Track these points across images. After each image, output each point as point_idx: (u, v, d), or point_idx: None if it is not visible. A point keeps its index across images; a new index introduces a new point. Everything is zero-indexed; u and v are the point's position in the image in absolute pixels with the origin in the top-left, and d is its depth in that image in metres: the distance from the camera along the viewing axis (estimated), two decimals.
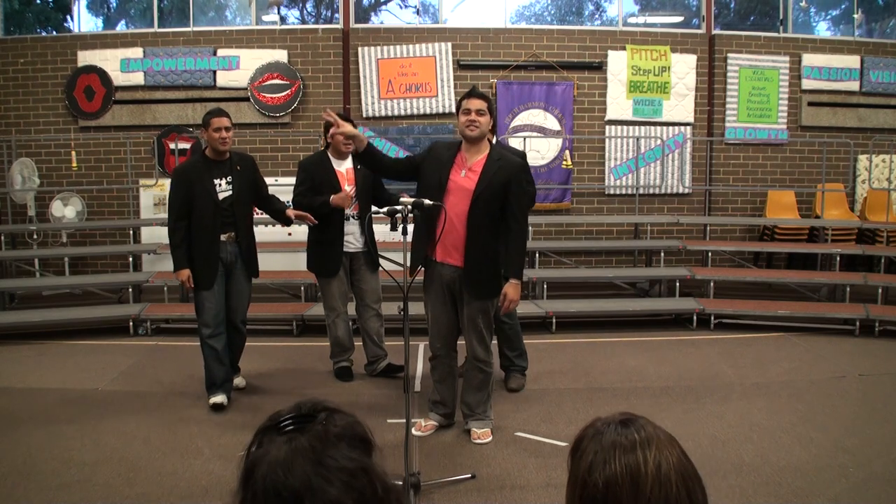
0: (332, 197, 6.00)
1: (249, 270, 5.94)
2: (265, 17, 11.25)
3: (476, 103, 4.81)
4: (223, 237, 5.75)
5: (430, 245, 4.88)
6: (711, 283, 8.88)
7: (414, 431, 5.11)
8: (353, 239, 6.23)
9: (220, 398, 5.70)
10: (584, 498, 1.39)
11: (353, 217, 6.21)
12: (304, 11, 12.05)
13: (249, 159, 6.08)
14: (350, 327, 6.57)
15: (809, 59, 10.93)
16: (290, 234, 9.91)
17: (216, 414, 5.57)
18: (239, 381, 6.16)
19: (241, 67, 10.58)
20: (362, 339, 6.51)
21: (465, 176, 4.81)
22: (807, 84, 10.96)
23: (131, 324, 8.04)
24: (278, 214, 6.18)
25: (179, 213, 5.62)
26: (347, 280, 6.35)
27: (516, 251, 4.86)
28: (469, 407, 5.18)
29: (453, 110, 10.56)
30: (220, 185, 5.70)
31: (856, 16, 11.32)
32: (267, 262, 9.18)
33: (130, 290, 8.82)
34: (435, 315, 5.08)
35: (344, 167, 6.24)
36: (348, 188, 6.18)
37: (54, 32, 11.47)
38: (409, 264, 4.55)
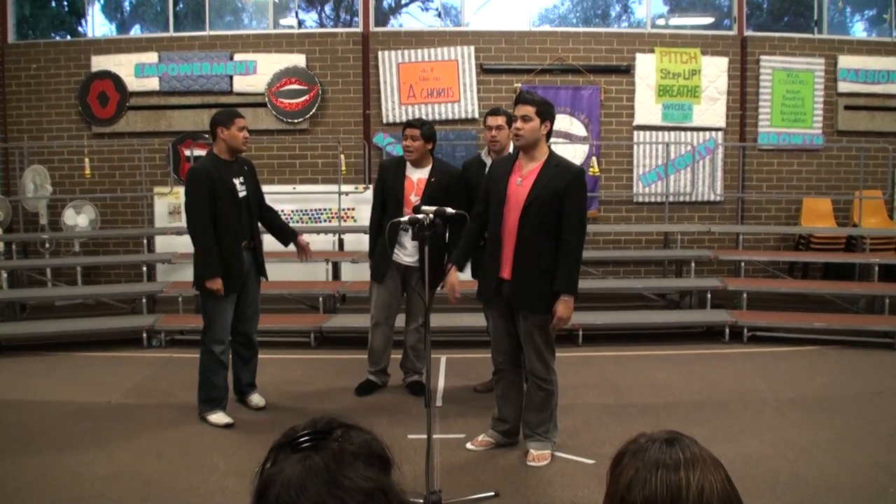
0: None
1: (260, 275, 5.97)
2: (283, 21, 11.33)
3: (521, 110, 4.73)
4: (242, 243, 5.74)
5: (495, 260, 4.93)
6: (744, 295, 8.81)
7: (468, 445, 5.16)
8: (406, 252, 6.12)
9: (228, 417, 5.69)
10: None
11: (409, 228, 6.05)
12: (323, 15, 12.11)
13: (250, 162, 6.05)
14: (387, 340, 6.47)
15: (846, 61, 10.84)
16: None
17: (231, 429, 5.58)
18: (259, 400, 6.05)
19: (258, 72, 10.65)
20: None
21: (520, 185, 4.78)
22: (843, 87, 10.87)
23: (145, 335, 8.08)
24: (280, 231, 6.17)
25: (206, 214, 5.51)
26: (398, 292, 6.33)
27: (565, 264, 4.73)
28: (529, 426, 5.04)
29: (476, 116, 10.59)
30: (237, 184, 5.69)
31: (886, 17, 11.24)
32: (284, 272, 9.23)
33: (144, 300, 8.85)
34: (495, 329, 5.08)
35: (416, 176, 6.15)
36: (414, 198, 6.06)
37: (68, 37, 11.60)
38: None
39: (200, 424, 5.65)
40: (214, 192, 5.52)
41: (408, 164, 6.17)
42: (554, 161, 4.80)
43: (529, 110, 4.70)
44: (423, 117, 10.55)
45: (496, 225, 4.86)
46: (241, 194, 5.69)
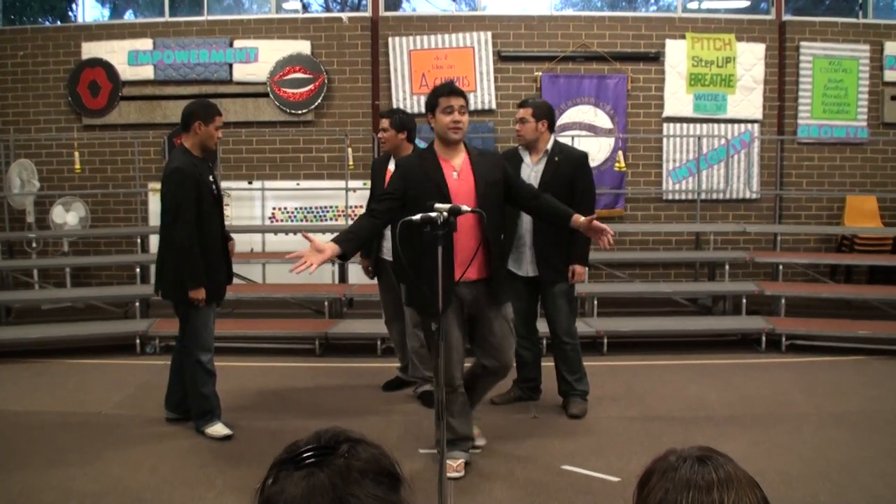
0: None
1: (229, 278, 5.96)
2: (286, 5, 11.34)
3: (460, 100, 4.86)
4: None
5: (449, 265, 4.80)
6: (783, 300, 8.76)
7: (449, 474, 5.03)
8: (387, 249, 6.38)
9: (228, 429, 5.69)
10: None
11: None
12: None
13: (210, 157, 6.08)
14: (402, 334, 6.66)
15: (893, 48, 10.77)
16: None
17: (230, 442, 5.59)
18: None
19: (259, 60, 10.67)
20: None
21: (459, 178, 4.85)
22: (890, 75, 10.81)
23: (138, 341, 8.12)
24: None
25: (194, 219, 5.48)
26: (398, 287, 6.44)
27: (554, 205, 5.11)
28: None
29: (494, 107, 10.59)
30: (211, 183, 5.72)
31: None
32: (281, 274, 9.27)
33: (138, 304, 8.89)
34: (454, 343, 4.92)
35: (392, 166, 6.37)
36: None
37: (58, 22, 11.65)
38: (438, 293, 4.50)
39: (197, 437, 5.66)
40: (199, 193, 5.52)
41: (391, 156, 6.47)
42: (476, 151, 5.05)
43: (461, 101, 4.90)
44: None
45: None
46: (215, 193, 5.74)
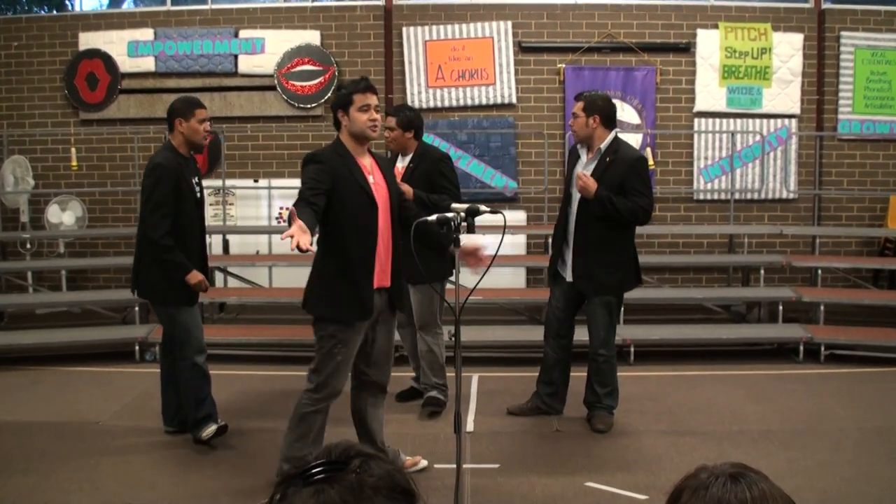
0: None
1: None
2: None
3: (375, 98, 4.86)
4: None
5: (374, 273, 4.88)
6: (822, 307, 8.72)
7: (413, 469, 5.23)
8: None
9: (219, 423, 5.77)
10: None
11: None
12: None
13: (195, 158, 6.13)
14: (412, 341, 6.74)
15: None
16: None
17: (233, 454, 5.61)
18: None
19: (266, 51, 10.69)
20: None
21: (375, 182, 4.87)
22: None
23: (137, 348, 8.15)
24: None
25: (168, 214, 5.54)
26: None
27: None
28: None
29: (513, 100, 10.58)
30: (194, 184, 5.80)
31: None
32: (288, 277, 9.29)
33: (137, 308, 8.87)
34: (379, 346, 5.24)
35: (401, 164, 6.48)
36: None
37: (54, 12, 11.71)
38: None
39: (198, 449, 5.66)
40: (179, 191, 5.61)
41: (399, 156, 6.53)
42: (373, 155, 5.05)
43: (376, 99, 4.92)
44: (453, 102, 10.56)
45: (370, 236, 4.79)
46: (198, 195, 5.84)
